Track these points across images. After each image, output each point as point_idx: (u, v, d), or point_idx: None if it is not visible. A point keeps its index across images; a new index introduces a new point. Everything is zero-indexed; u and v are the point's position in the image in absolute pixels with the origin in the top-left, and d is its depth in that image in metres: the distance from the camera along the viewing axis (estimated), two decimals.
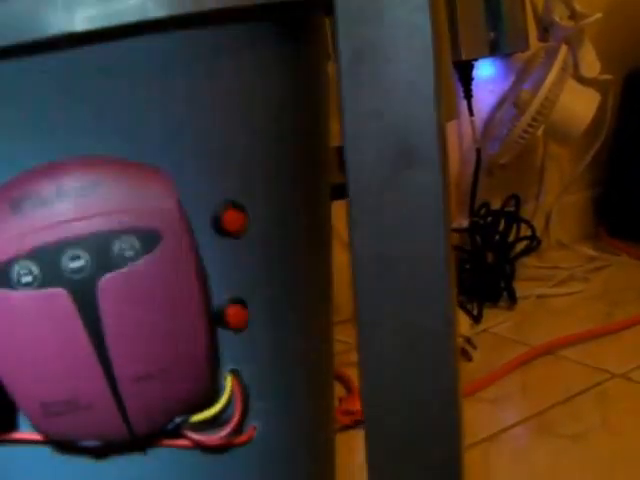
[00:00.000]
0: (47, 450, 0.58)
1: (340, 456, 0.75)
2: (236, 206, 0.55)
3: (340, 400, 1.08)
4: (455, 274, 0.56)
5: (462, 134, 1.52)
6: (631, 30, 1.70)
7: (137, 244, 0.49)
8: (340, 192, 0.71)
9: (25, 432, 0.56)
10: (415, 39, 0.52)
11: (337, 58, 0.53)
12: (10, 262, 0.48)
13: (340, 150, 1.00)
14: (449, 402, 0.57)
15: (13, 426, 0.56)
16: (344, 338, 1.09)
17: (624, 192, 1.71)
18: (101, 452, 0.57)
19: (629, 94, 1.66)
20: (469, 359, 1.24)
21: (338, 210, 0.70)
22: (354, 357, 1.10)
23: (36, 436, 0.56)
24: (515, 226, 1.51)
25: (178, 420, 0.55)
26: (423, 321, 0.56)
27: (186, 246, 0.51)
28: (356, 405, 1.06)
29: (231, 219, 0.55)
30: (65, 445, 0.57)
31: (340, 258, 0.72)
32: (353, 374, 1.14)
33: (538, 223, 1.63)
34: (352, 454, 0.99)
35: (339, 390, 1.12)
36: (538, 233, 1.57)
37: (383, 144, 0.53)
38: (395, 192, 0.54)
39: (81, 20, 0.47)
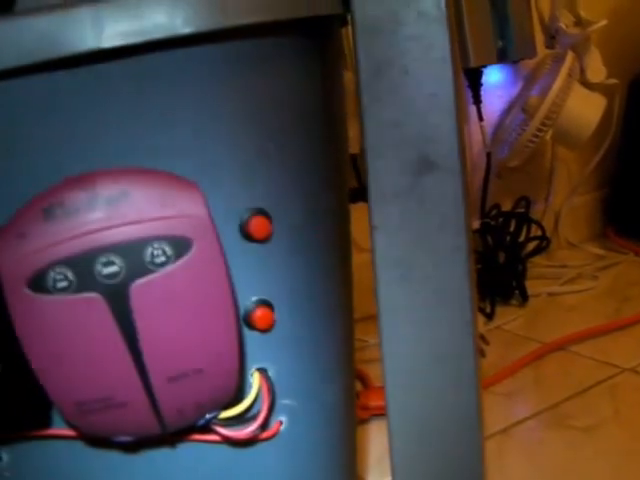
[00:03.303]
0: (80, 444, 0.59)
1: (358, 449, 0.77)
2: (262, 213, 0.56)
3: (358, 395, 1.08)
4: (475, 276, 0.58)
5: (472, 139, 1.53)
6: (636, 36, 1.71)
7: (168, 250, 0.50)
8: (354, 197, 0.74)
9: (60, 428, 0.58)
10: (432, 52, 0.53)
11: (356, 71, 0.55)
12: (45, 269, 0.49)
13: (355, 157, 1.03)
14: (469, 396, 0.59)
15: (48, 422, 0.58)
16: (360, 336, 1.10)
17: (631, 193, 1.72)
18: (133, 446, 0.59)
19: (634, 98, 1.66)
20: (483, 355, 1.25)
21: (352, 214, 0.72)
22: (370, 354, 1.12)
23: (70, 432, 0.57)
24: (525, 227, 1.52)
25: (208, 416, 0.56)
26: (444, 322, 0.58)
27: (215, 252, 0.52)
28: (373, 400, 1.07)
29: (258, 225, 0.56)
30: (98, 440, 0.58)
31: (354, 260, 0.74)
32: (370, 370, 1.16)
33: (548, 224, 1.65)
34: (369, 447, 1.01)
35: (356, 385, 1.12)
36: (548, 233, 1.58)
37: (403, 153, 0.54)
38: (415, 198, 0.55)
39: (109, 37, 0.48)
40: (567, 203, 1.71)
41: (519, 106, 1.49)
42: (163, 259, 0.50)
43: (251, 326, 0.58)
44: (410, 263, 0.55)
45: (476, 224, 1.49)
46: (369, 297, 0.59)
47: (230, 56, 0.54)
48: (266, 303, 0.59)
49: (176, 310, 0.52)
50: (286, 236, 0.59)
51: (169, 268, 0.50)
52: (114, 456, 0.60)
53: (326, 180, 0.64)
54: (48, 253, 0.49)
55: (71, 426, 0.57)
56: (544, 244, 1.55)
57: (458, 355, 0.57)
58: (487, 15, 1.35)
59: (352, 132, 0.69)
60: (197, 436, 0.59)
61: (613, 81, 1.51)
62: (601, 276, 1.56)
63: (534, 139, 1.44)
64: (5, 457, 0.60)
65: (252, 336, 0.59)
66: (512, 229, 1.51)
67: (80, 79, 0.51)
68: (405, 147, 0.54)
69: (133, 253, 0.50)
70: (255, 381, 0.59)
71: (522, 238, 1.52)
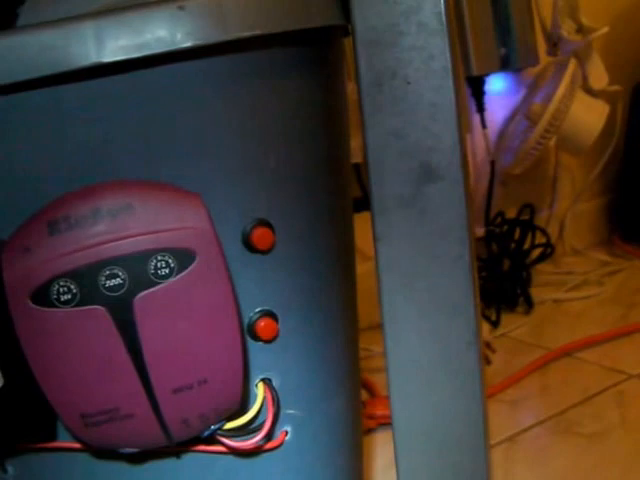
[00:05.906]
0: (85, 456, 0.59)
1: (365, 458, 0.77)
2: (265, 224, 0.56)
3: (364, 404, 1.08)
4: (478, 284, 0.58)
5: (476, 147, 1.53)
6: (638, 42, 1.71)
7: (172, 262, 0.50)
8: (358, 206, 0.74)
9: (65, 440, 0.58)
10: (433, 62, 0.53)
11: (358, 81, 0.56)
12: (49, 282, 0.49)
13: (358, 167, 1.03)
14: (475, 404, 0.60)
15: (54, 436, 0.58)
16: (365, 345, 1.10)
17: (635, 198, 1.72)
18: (138, 458, 0.59)
19: (637, 104, 1.67)
20: (489, 363, 1.25)
21: (356, 223, 0.71)
22: (376, 363, 1.12)
23: (75, 444, 0.57)
24: (530, 234, 1.52)
25: (213, 427, 0.56)
26: (448, 330, 0.58)
27: (219, 263, 0.52)
28: (379, 409, 1.07)
29: (261, 236, 0.56)
30: (104, 452, 0.58)
31: (359, 268, 0.74)
32: (376, 379, 1.16)
33: (552, 230, 1.65)
34: (376, 456, 1.01)
35: (362, 394, 1.13)
36: (552, 240, 1.58)
37: (405, 162, 0.54)
38: (417, 208, 0.55)
39: (111, 51, 0.48)
40: (571, 209, 1.71)
41: (522, 114, 1.49)
42: (167, 271, 0.50)
43: (255, 336, 0.58)
44: (413, 272, 0.56)
45: (481, 232, 1.50)
46: (375, 306, 0.59)
47: (231, 69, 0.54)
48: (270, 313, 0.59)
49: (180, 322, 0.52)
50: (289, 246, 0.59)
51: (172, 280, 0.50)
52: (119, 468, 0.60)
53: (328, 190, 0.64)
54: (52, 266, 0.49)
55: (76, 438, 0.57)
56: (549, 251, 1.56)
57: (462, 363, 0.57)
58: (489, 23, 1.36)
59: (356, 142, 0.69)
60: (202, 447, 0.59)
61: (616, 87, 1.51)
62: (606, 282, 1.56)
63: (538, 146, 1.44)
64: (11, 470, 0.60)
65: (256, 346, 0.59)
66: (517, 236, 1.52)
67: (83, 93, 0.51)
68: (407, 157, 0.54)
69: (137, 265, 0.50)
70: (259, 391, 0.59)
71: (527, 245, 1.52)
